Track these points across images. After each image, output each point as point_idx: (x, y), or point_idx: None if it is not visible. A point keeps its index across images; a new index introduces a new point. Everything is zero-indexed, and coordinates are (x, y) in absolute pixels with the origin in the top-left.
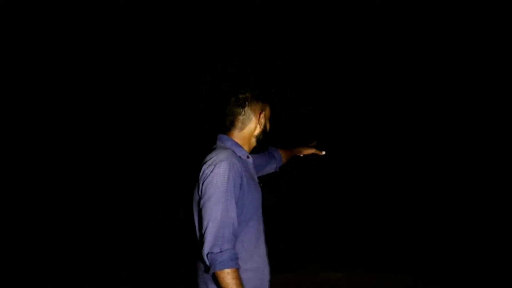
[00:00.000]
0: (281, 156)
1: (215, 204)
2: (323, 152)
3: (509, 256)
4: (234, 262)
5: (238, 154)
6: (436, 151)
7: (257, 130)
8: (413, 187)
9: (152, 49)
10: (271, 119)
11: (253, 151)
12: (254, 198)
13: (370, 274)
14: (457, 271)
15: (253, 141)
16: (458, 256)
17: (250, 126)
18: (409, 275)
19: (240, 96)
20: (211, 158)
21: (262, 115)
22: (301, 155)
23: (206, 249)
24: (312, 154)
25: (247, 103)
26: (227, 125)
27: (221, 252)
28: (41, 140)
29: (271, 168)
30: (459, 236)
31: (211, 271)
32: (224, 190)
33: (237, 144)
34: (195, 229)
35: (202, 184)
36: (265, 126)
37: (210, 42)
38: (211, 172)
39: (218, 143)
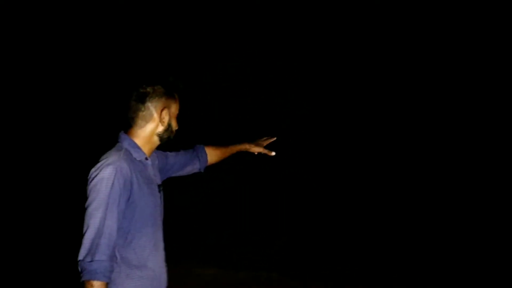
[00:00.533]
0: (208, 155)
1: (95, 210)
2: (273, 153)
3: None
4: (102, 275)
5: (134, 156)
6: (419, 154)
7: (160, 128)
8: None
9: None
10: (181, 116)
11: (174, 149)
12: (148, 204)
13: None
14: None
15: (156, 140)
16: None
17: (151, 123)
18: (276, 273)
19: (141, 90)
20: (101, 160)
21: (164, 112)
22: (254, 152)
23: (79, 255)
24: (263, 154)
25: (148, 98)
26: (129, 122)
27: (91, 261)
28: (41, 140)
29: (193, 168)
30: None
31: (81, 279)
32: (105, 197)
33: (134, 144)
34: None
35: (88, 187)
36: (169, 124)
37: (210, 41)
38: (96, 176)
39: (118, 143)
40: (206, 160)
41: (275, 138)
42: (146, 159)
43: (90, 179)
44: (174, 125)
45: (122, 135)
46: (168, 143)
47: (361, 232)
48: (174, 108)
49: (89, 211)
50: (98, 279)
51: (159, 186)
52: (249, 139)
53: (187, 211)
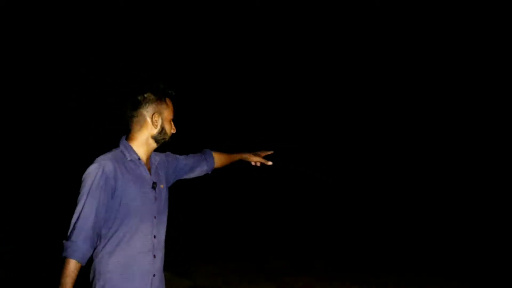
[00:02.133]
0: (215, 159)
1: (80, 198)
2: (270, 163)
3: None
4: (74, 254)
5: (126, 156)
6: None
7: (153, 132)
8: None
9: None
10: (176, 119)
11: (183, 152)
12: (134, 199)
13: None
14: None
15: (151, 142)
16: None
17: (145, 128)
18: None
19: (134, 99)
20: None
21: (156, 117)
22: (252, 162)
23: (67, 234)
24: (260, 164)
25: (140, 105)
26: (128, 127)
27: (68, 241)
28: (41, 139)
29: (202, 170)
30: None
31: (62, 254)
32: (88, 188)
33: (129, 146)
34: None
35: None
36: (162, 127)
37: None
38: (86, 170)
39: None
40: (213, 163)
41: (272, 152)
42: (139, 159)
43: (84, 173)
44: (168, 128)
45: (122, 139)
46: (165, 145)
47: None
48: (167, 112)
49: (77, 199)
50: (74, 258)
51: (154, 183)
52: (249, 146)
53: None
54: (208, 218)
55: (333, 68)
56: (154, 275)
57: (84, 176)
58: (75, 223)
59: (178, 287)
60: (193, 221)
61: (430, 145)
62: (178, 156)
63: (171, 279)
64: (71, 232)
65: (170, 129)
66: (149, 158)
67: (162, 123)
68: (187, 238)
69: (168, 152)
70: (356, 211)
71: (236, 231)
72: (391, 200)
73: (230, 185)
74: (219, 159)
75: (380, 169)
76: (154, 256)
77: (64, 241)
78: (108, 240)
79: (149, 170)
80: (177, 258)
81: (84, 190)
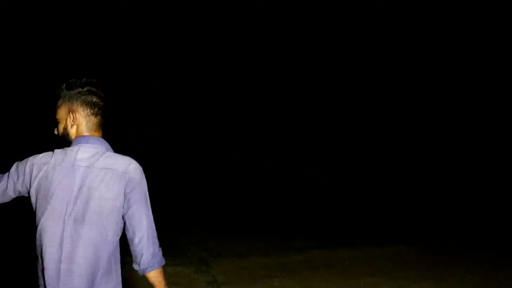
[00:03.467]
0: None
1: (148, 201)
2: None
3: None
4: None
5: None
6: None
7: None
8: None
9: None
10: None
11: None
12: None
13: None
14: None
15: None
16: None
17: None
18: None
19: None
20: None
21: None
22: None
23: (156, 242)
24: None
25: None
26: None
27: (160, 249)
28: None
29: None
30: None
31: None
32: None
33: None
34: None
35: None
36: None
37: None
38: (139, 168)
39: None
40: None
41: None
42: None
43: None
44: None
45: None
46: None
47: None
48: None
49: (146, 203)
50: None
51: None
52: (249, 146)
53: None
54: (221, 216)
55: (333, 68)
56: None
57: (142, 175)
58: (155, 228)
59: (198, 284)
60: (209, 219)
61: (430, 145)
62: None
63: (191, 276)
64: (157, 238)
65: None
66: None
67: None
68: (205, 235)
69: None
70: (356, 211)
71: (251, 228)
72: (391, 200)
73: (230, 185)
74: None
75: (380, 169)
76: None
77: (159, 249)
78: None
79: None
80: (196, 254)
81: (147, 193)
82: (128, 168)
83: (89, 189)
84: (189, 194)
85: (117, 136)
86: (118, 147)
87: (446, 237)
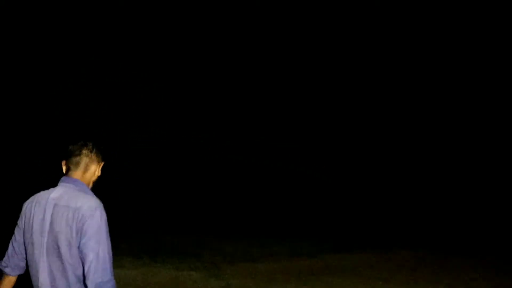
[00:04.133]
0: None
1: (108, 235)
2: None
3: None
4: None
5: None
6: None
7: None
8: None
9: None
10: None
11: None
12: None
13: None
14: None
15: None
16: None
17: None
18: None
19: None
20: None
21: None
22: None
23: (110, 272)
24: None
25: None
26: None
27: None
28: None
29: None
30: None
31: None
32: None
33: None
34: None
35: None
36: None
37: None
38: (99, 205)
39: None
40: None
41: None
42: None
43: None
44: None
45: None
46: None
47: None
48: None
49: (104, 237)
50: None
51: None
52: (249, 146)
53: None
54: (230, 219)
55: (333, 68)
56: None
57: (95, 212)
58: (107, 261)
59: None
60: (219, 222)
61: (430, 145)
62: None
63: (204, 280)
64: (108, 270)
65: None
66: None
67: None
68: (217, 239)
69: None
70: (360, 213)
71: (261, 231)
72: (391, 200)
73: (232, 186)
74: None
75: (380, 169)
76: None
77: (109, 279)
78: None
79: None
80: (209, 259)
81: (104, 229)
82: (82, 206)
83: (52, 223)
84: (192, 195)
85: (117, 136)
86: (118, 147)
87: (452, 240)
